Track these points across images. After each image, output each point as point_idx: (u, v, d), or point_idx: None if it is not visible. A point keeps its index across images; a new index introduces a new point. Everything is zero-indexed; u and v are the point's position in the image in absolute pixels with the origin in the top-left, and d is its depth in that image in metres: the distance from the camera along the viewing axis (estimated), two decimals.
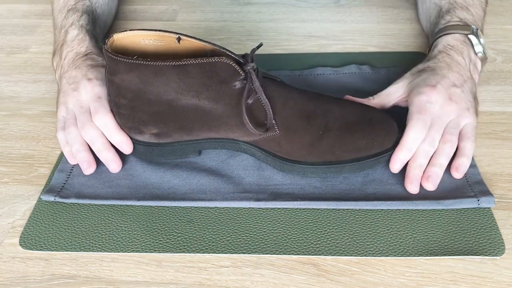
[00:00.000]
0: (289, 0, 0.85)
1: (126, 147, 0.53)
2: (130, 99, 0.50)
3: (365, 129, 0.50)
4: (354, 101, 0.55)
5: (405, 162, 0.50)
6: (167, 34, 0.50)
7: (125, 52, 0.50)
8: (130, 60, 0.47)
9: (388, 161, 0.51)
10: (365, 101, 0.55)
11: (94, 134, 0.52)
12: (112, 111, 0.53)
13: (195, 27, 0.79)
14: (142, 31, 0.50)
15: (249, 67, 0.48)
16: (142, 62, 0.47)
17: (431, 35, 0.64)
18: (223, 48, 0.48)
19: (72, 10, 0.65)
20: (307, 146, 0.49)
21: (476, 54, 0.58)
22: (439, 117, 0.51)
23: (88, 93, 0.54)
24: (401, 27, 0.77)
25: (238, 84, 0.48)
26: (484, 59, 0.59)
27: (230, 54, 0.48)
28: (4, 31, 0.81)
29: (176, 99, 0.49)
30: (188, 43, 0.50)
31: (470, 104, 0.53)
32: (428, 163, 0.50)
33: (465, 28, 0.59)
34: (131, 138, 0.53)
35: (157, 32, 0.50)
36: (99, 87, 0.54)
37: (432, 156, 0.50)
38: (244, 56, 0.49)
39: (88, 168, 0.53)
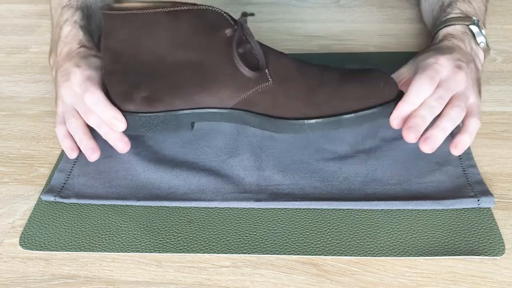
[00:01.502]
0: (289, 0, 0.85)
1: (119, 122, 0.51)
2: (123, 64, 0.50)
3: (362, 78, 0.49)
4: None
5: (406, 117, 0.48)
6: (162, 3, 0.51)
7: None
8: (124, 12, 0.49)
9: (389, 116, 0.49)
10: None
11: (97, 118, 0.52)
12: (103, 89, 0.52)
13: None
14: (140, 3, 0.51)
15: (240, 19, 0.49)
16: (135, 12, 0.48)
17: (433, 29, 0.64)
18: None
19: (67, 7, 0.65)
20: (302, 96, 0.48)
21: (478, 44, 0.57)
22: (448, 79, 0.49)
23: (77, 78, 0.53)
24: (401, 27, 0.77)
25: (229, 32, 0.48)
26: (486, 50, 0.58)
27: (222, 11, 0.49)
28: (4, 31, 0.81)
29: (168, 53, 0.49)
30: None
31: (475, 83, 0.52)
32: (431, 125, 0.48)
33: (466, 19, 0.59)
34: (123, 111, 0.51)
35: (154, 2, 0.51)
36: (88, 70, 0.53)
37: (437, 117, 0.48)
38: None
39: (93, 154, 0.52)
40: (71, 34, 0.61)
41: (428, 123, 0.48)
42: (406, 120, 0.48)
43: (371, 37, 0.75)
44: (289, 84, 0.49)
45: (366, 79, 0.49)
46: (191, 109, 0.51)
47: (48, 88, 0.68)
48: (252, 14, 0.50)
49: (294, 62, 0.51)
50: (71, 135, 0.54)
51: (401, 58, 0.69)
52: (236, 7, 0.83)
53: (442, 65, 0.50)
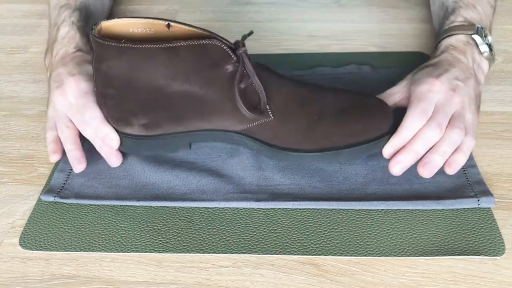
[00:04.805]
0: (289, 0, 0.85)
1: (112, 141, 0.51)
2: (117, 88, 0.48)
3: (360, 114, 0.49)
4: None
5: (398, 149, 0.49)
6: (156, 21, 0.48)
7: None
8: (118, 44, 0.46)
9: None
10: None
11: (93, 131, 0.52)
12: (99, 104, 0.52)
13: None
14: (131, 19, 0.48)
15: (241, 51, 0.47)
16: (130, 45, 0.45)
17: (437, 38, 0.62)
18: (215, 34, 0.47)
19: (65, 6, 0.64)
20: (302, 132, 0.49)
21: (481, 54, 0.56)
22: (444, 104, 0.49)
23: (73, 90, 0.53)
24: (401, 27, 0.77)
25: (230, 68, 0.47)
26: (491, 59, 0.57)
27: (221, 39, 0.47)
28: (4, 31, 0.81)
29: (166, 85, 0.48)
30: (178, 29, 0.48)
31: (472, 100, 0.51)
32: (431, 148, 0.48)
33: (469, 28, 0.57)
34: (119, 132, 0.51)
35: (146, 20, 0.48)
36: (84, 82, 0.53)
37: (437, 142, 0.48)
38: (235, 43, 0.48)
39: (79, 165, 0.52)
40: (68, 36, 0.60)
41: (421, 154, 0.48)
42: (397, 153, 0.49)
43: (371, 37, 0.75)
44: (289, 119, 0.49)
45: (365, 114, 0.49)
46: (191, 131, 0.51)
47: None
48: (251, 33, 0.48)
49: (294, 92, 0.50)
50: (59, 141, 0.54)
51: (401, 58, 0.69)
52: (236, 7, 0.83)
53: (436, 91, 0.49)
